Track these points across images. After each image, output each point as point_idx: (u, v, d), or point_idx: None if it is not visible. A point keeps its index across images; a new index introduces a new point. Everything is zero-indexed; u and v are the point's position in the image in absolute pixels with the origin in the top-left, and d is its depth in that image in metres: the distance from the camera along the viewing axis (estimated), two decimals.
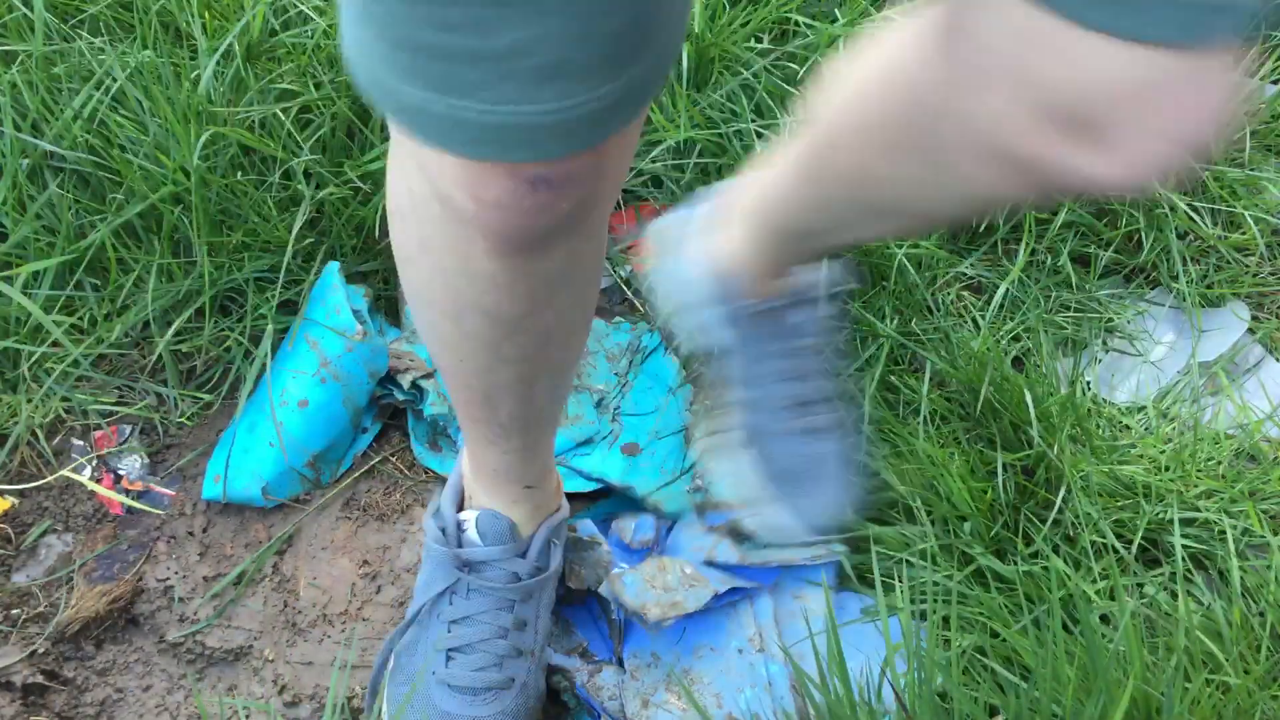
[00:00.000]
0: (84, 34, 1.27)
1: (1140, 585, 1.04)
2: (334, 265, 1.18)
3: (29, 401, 1.13)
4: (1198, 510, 1.08)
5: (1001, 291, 1.25)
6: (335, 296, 1.16)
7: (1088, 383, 1.23)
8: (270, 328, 1.16)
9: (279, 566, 1.11)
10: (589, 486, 1.16)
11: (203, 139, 1.16)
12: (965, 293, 1.28)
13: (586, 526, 1.12)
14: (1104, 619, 1.00)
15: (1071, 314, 1.28)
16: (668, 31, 0.60)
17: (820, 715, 0.90)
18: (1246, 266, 1.33)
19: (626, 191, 1.31)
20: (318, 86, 1.25)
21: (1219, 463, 1.13)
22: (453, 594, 0.97)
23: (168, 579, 1.09)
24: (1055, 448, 1.08)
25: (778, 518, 1.08)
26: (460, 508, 1.00)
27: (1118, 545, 1.06)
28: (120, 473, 1.14)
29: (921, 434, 1.13)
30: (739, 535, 1.12)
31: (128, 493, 1.13)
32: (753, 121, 1.29)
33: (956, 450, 1.12)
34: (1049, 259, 1.30)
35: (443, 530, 0.97)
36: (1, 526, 1.09)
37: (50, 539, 1.10)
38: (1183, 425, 1.18)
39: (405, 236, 0.73)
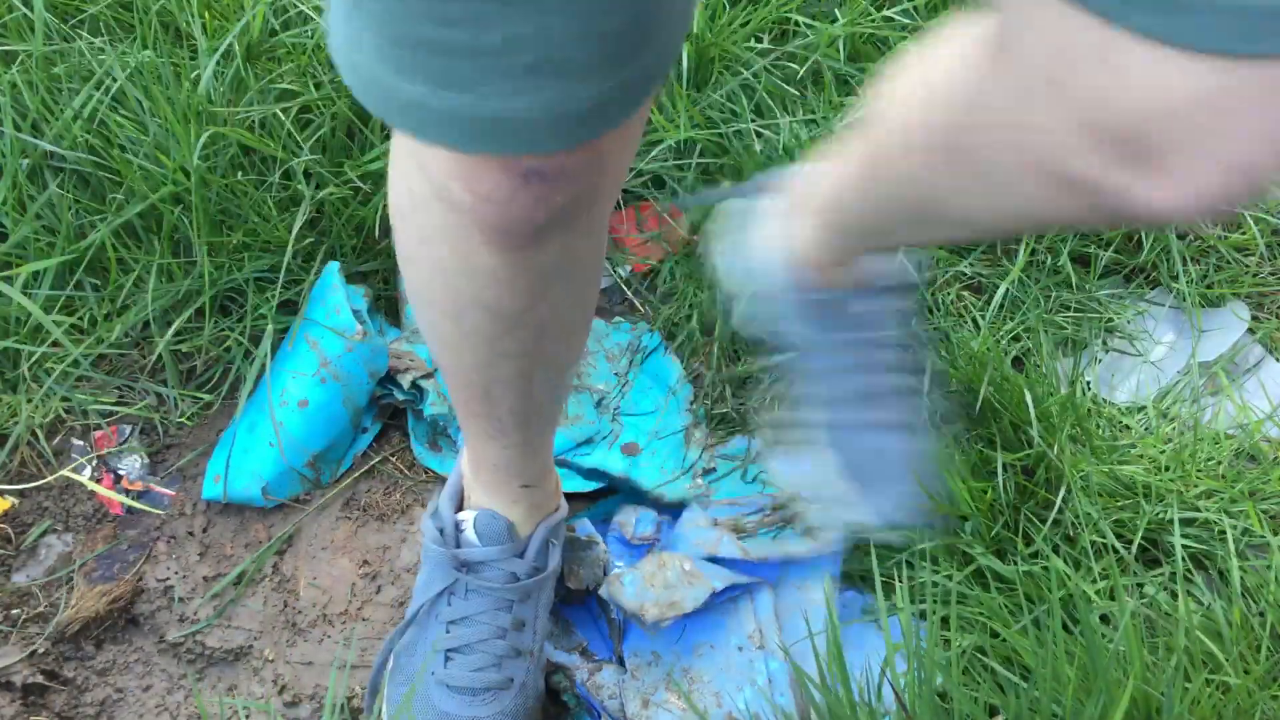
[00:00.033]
0: (84, 34, 1.27)
1: (1140, 585, 1.04)
2: (334, 265, 1.18)
3: (29, 401, 1.13)
4: (1198, 510, 1.08)
5: (1001, 291, 1.25)
6: (335, 296, 1.16)
7: (1088, 383, 1.22)
8: (270, 328, 1.16)
9: (279, 566, 1.11)
10: (589, 486, 1.16)
11: (203, 139, 1.16)
12: (965, 292, 1.28)
13: (585, 526, 1.12)
14: (1104, 619, 1.00)
15: (1071, 314, 1.28)
16: (668, 31, 0.59)
17: (820, 715, 0.90)
18: (1246, 266, 1.33)
19: (626, 191, 1.31)
20: (318, 86, 1.25)
21: (1219, 463, 1.13)
22: (451, 595, 0.97)
23: (168, 579, 1.09)
24: (1055, 448, 1.08)
25: (849, 513, 1.07)
26: (459, 508, 1.00)
27: (1118, 545, 1.05)
28: (120, 473, 1.14)
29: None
30: (741, 530, 1.12)
31: (128, 493, 1.13)
32: (753, 121, 1.29)
33: (956, 450, 1.12)
34: (1049, 259, 1.30)
35: (441, 531, 0.97)
36: (1, 526, 1.09)
37: (50, 539, 1.11)
38: (1183, 425, 1.18)
39: (406, 235, 0.73)
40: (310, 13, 1.29)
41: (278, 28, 1.29)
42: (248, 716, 1.04)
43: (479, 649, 0.96)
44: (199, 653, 1.06)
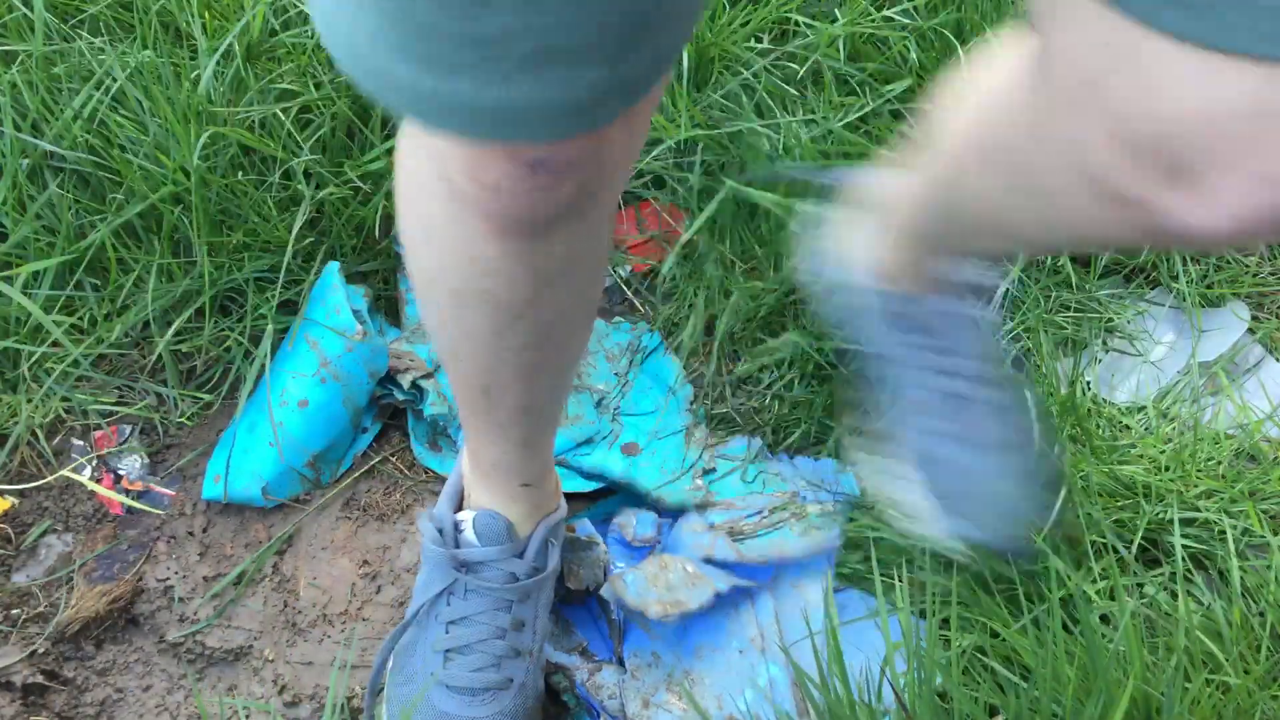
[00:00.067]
0: (84, 34, 1.27)
1: (1140, 585, 1.04)
2: (334, 265, 1.18)
3: (29, 401, 1.13)
4: (1198, 510, 1.08)
5: (1001, 291, 1.25)
6: (335, 296, 1.16)
7: (1088, 383, 1.22)
8: (270, 328, 1.16)
9: (279, 566, 1.11)
10: (589, 486, 1.16)
11: (203, 139, 1.16)
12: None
13: (585, 526, 1.12)
14: (1104, 619, 1.00)
15: (1071, 314, 1.28)
16: (673, 24, 0.59)
17: (820, 715, 0.90)
18: (1246, 266, 1.32)
19: (626, 191, 1.31)
20: (318, 86, 1.25)
21: (1219, 463, 1.13)
22: (450, 595, 0.97)
23: (168, 579, 1.09)
24: (1056, 448, 1.08)
25: (928, 530, 1.03)
26: (458, 508, 1.00)
27: (1118, 545, 1.05)
28: (120, 473, 1.14)
29: None
30: (736, 532, 1.12)
31: (128, 493, 1.13)
32: (756, 122, 1.29)
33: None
34: (1049, 259, 1.30)
35: (440, 531, 0.97)
36: (1, 526, 1.09)
37: (50, 539, 1.11)
38: (1183, 425, 1.18)
39: (411, 221, 0.73)
40: (310, 13, 1.29)
41: (278, 28, 1.29)
42: (248, 716, 1.04)
43: (478, 649, 0.96)
44: (199, 653, 1.06)
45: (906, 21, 1.36)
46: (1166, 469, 1.11)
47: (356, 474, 1.16)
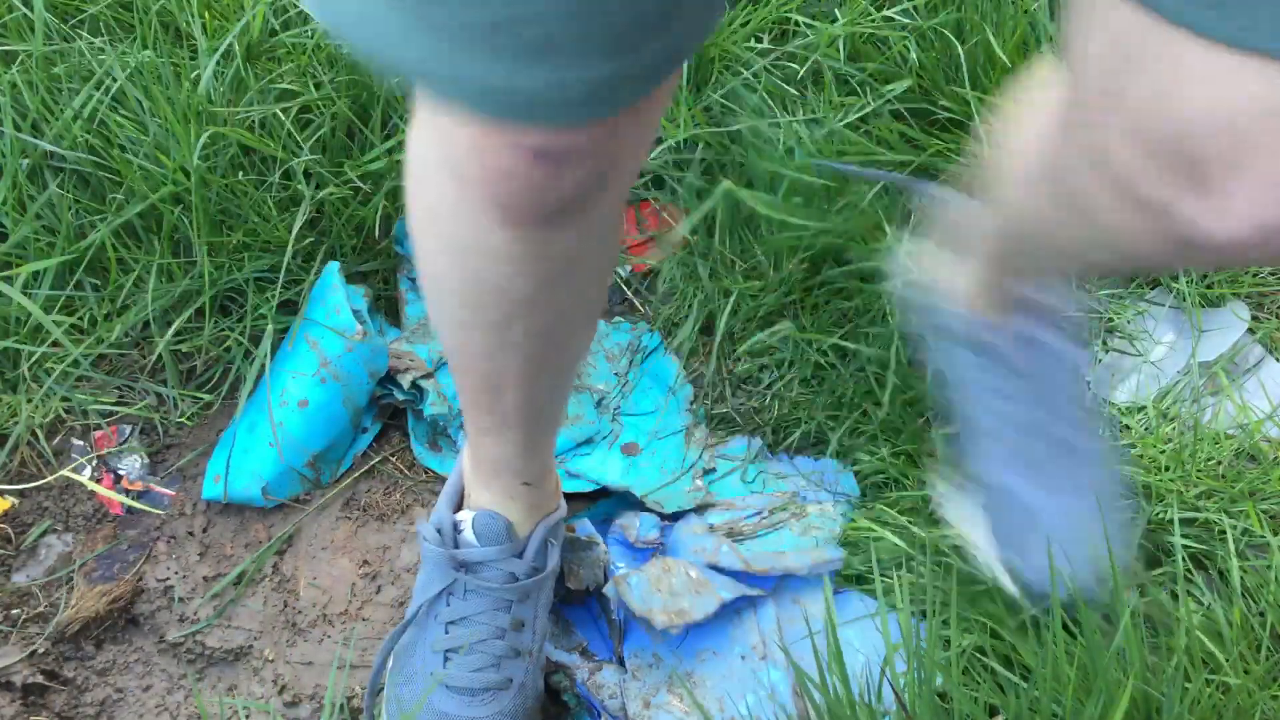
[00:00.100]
0: (84, 34, 1.27)
1: (1140, 585, 1.04)
2: (334, 265, 1.18)
3: (29, 401, 1.13)
4: (1198, 510, 1.08)
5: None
6: (335, 296, 1.16)
7: (1088, 383, 1.22)
8: (270, 328, 1.16)
9: (279, 566, 1.11)
10: (589, 486, 1.16)
11: (203, 139, 1.16)
12: None
13: (585, 526, 1.12)
14: (1105, 618, 1.00)
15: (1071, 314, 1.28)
16: (686, 20, 0.58)
17: (820, 715, 0.90)
18: (1246, 266, 1.32)
19: None
20: (318, 86, 1.25)
21: (1219, 463, 1.13)
22: (450, 595, 0.97)
23: (168, 579, 1.09)
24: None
25: (991, 570, 1.01)
26: (458, 508, 1.00)
27: None
28: (120, 473, 1.14)
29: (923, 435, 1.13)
30: (735, 533, 1.12)
31: (128, 493, 1.13)
32: (757, 121, 1.29)
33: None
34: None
35: (439, 531, 0.97)
36: (1, 526, 1.09)
37: (50, 539, 1.11)
38: (1183, 425, 1.18)
39: (419, 205, 0.73)
40: (310, 13, 1.29)
41: (278, 28, 1.29)
42: (248, 716, 1.04)
43: (478, 649, 0.96)
44: (199, 653, 1.06)
45: (906, 21, 1.36)
46: (1166, 469, 1.12)
47: (356, 474, 1.16)
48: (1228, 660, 0.94)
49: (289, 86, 1.24)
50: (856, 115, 1.30)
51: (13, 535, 1.10)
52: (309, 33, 1.28)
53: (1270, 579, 1.01)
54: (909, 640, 0.91)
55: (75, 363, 1.13)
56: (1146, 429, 1.18)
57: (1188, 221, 0.49)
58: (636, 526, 1.12)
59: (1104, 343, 1.27)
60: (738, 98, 1.31)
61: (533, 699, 0.99)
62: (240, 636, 1.07)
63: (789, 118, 1.29)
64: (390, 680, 0.99)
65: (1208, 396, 1.22)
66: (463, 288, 0.75)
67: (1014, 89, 0.86)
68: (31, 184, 1.18)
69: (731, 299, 1.23)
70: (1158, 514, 1.07)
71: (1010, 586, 0.99)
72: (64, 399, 1.14)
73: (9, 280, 1.12)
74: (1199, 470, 1.11)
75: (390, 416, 1.21)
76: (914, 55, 1.33)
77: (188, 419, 1.17)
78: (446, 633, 0.96)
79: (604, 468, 1.17)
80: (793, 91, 1.32)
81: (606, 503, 1.17)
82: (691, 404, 1.22)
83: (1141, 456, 1.13)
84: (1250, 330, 1.28)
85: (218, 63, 1.22)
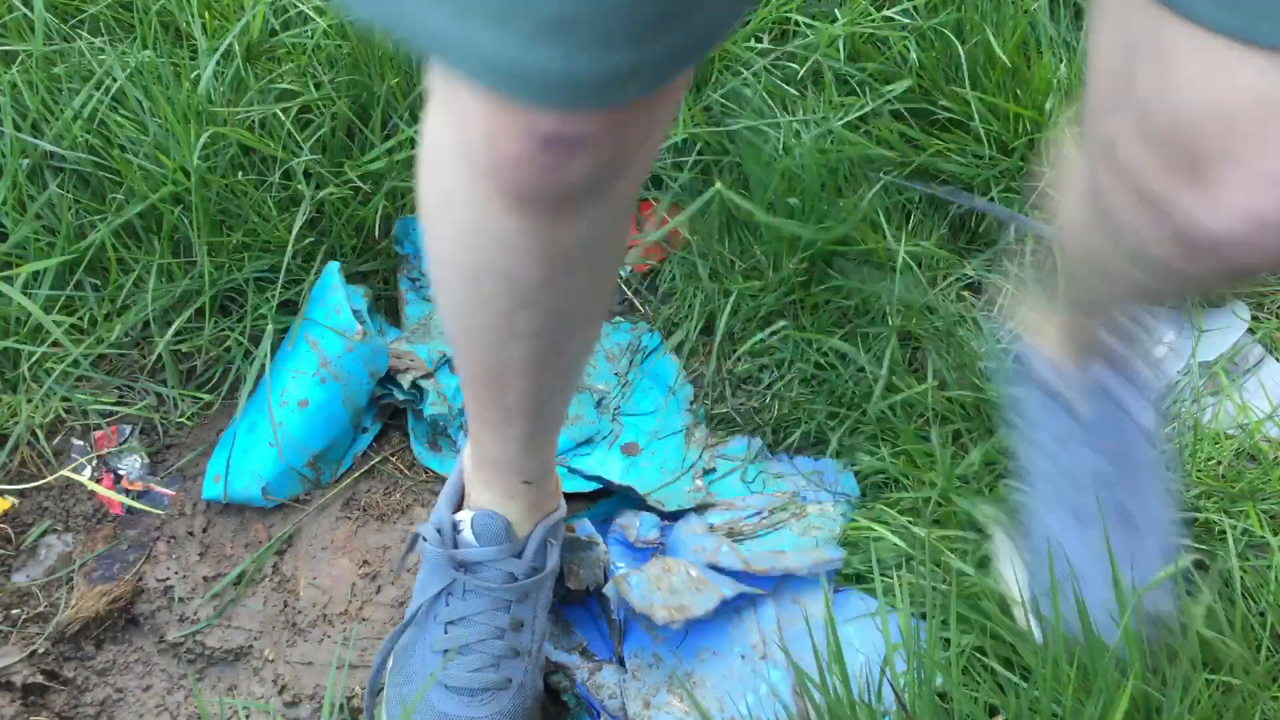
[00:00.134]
0: (84, 34, 1.27)
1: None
2: (334, 265, 1.18)
3: (29, 401, 1.13)
4: (1198, 510, 1.08)
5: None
6: (335, 296, 1.16)
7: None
8: (270, 328, 1.16)
9: (279, 566, 1.11)
10: (588, 487, 1.16)
11: (203, 139, 1.16)
12: (965, 292, 1.28)
13: (584, 526, 1.12)
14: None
15: None
16: (707, 13, 0.58)
17: (820, 715, 0.90)
18: None
19: None
20: (318, 86, 1.25)
21: (1219, 463, 1.13)
22: (449, 595, 0.97)
23: (168, 579, 1.09)
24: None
25: (1023, 603, 0.98)
26: (458, 508, 1.00)
27: None
28: (120, 473, 1.14)
29: (917, 434, 1.13)
30: (735, 533, 1.12)
31: (128, 493, 1.13)
32: (754, 122, 1.29)
33: (959, 450, 1.12)
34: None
35: (438, 531, 0.97)
36: (1, 526, 1.09)
37: (50, 539, 1.11)
38: (1183, 425, 1.18)
39: (434, 191, 0.73)
40: (310, 13, 1.29)
41: (278, 28, 1.29)
42: (248, 716, 1.04)
43: (477, 649, 0.96)
44: (199, 653, 1.06)
45: (906, 21, 1.36)
46: (1166, 469, 1.11)
47: (356, 474, 1.16)
48: (1228, 660, 0.94)
49: (289, 86, 1.25)
50: (856, 115, 1.30)
51: (13, 535, 1.10)
52: (309, 33, 1.28)
53: (1270, 579, 1.01)
54: (909, 640, 0.91)
55: (75, 363, 1.13)
56: None
57: (1185, 215, 0.49)
58: (636, 526, 1.12)
59: None
60: (738, 97, 1.31)
61: (532, 699, 0.99)
62: (240, 636, 1.07)
63: (789, 118, 1.29)
64: (390, 680, 0.99)
65: (1208, 396, 1.22)
66: (472, 275, 0.75)
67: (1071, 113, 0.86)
68: (31, 184, 1.18)
69: (731, 299, 1.23)
70: None
71: (1040, 638, 0.97)
72: (64, 399, 1.14)
73: (9, 280, 1.12)
74: (1199, 470, 1.11)
75: (390, 416, 1.21)
76: (914, 55, 1.33)
77: (188, 419, 1.17)
78: (446, 633, 0.96)
79: (604, 468, 1.17)
80: (792, 91, 1.32)
81: (606, 503, 1.17)
82: (691, 404, 1.22)
83: None
84: (1250, 330, 1.28)
85: (218, 63, 1.22)
